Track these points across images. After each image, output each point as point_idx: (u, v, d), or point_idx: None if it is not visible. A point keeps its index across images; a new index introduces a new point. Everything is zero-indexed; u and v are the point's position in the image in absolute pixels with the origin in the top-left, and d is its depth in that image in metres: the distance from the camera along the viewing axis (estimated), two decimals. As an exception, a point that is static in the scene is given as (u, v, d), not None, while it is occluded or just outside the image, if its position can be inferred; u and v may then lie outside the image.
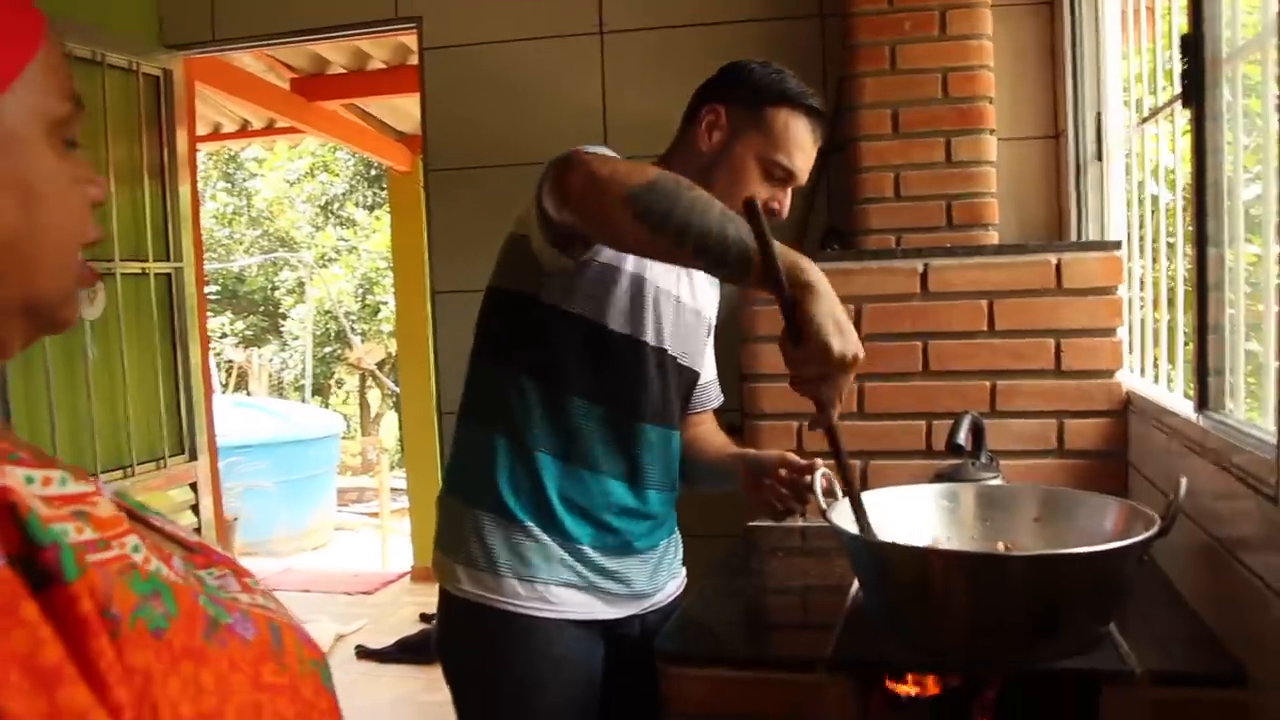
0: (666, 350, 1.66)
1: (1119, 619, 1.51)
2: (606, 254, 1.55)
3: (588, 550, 1.59)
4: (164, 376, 3.47)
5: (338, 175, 13.18)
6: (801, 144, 1.62)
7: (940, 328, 2.19)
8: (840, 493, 1.63)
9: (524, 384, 1.57)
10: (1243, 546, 1.41)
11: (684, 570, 1.83)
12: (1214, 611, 1.53)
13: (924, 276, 2.20)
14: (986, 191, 2.55)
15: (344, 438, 10.38)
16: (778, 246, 1.26)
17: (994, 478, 1.96)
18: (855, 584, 1.74)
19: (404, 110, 5.76)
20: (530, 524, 1.56)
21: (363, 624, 4.85)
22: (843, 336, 1.26)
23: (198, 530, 3.51)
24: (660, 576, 1.71)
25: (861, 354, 1.28)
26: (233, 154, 12.97)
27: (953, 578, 1.41)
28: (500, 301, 1.63)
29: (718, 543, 2.09)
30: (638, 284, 1.59)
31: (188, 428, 3.54)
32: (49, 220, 0.63)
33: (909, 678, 1.55)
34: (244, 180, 13.53)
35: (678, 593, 1.78)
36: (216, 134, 6.25)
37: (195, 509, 3.55)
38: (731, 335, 2.78)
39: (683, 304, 1.69)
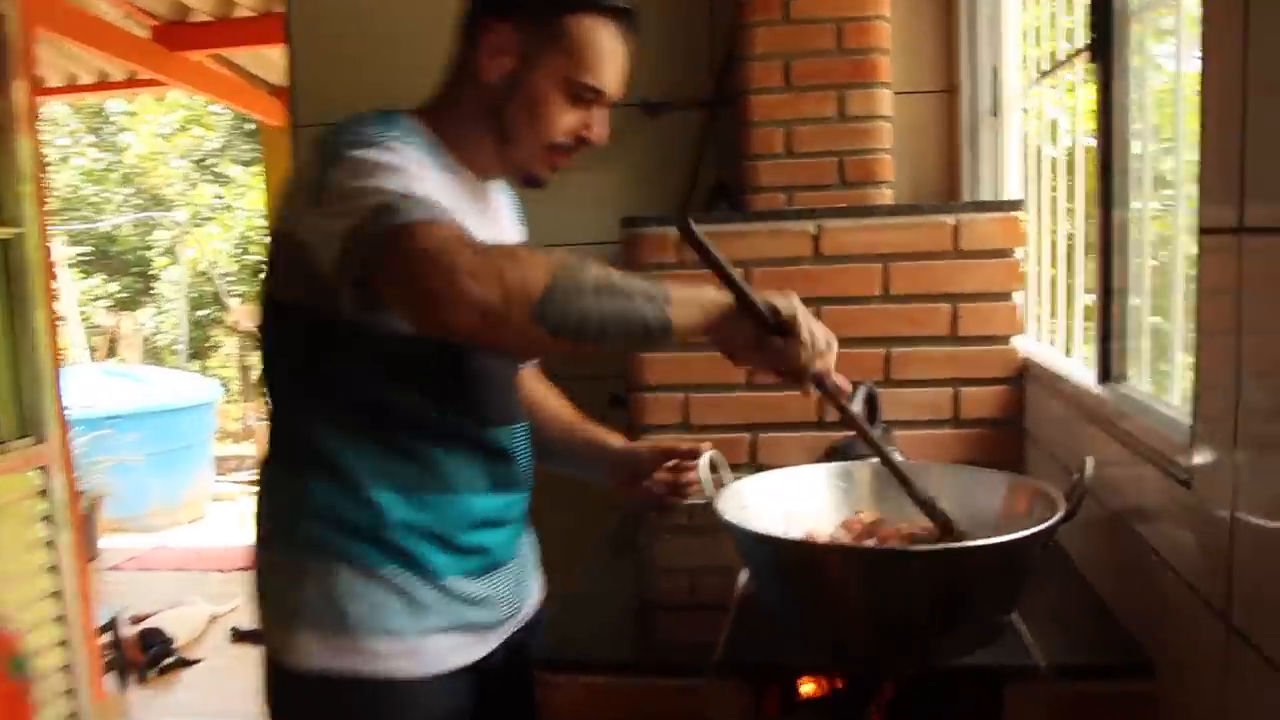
0: None
1: (1021, 605, 1.43)
2: None
3: (452, 583, 1.33)
4: (3, 352, 3.19)
5: (213, 130, 12.65)
6: (612, 54, 1.33)
7: (833, 292, 2.08)
8: (727, 478, 1.51)
9: (341, 418, 1.30)
10: (1152, 531, 1.33)
11: (541, 572, 1.60)
12: (1119, 597, 1.46)
13: (816, 238, 2.09)
14: (881, 148, 2.43)
15: (226, 402, 10.01)
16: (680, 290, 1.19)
17: (890, 451, 1.86)
18: (745, 571, 1.62)
19: (274, 61, 5.46)
20: (383, 569, 1.29)
21: (238, 603, 4.62)
22: (789, 301, 1.25)
23: (49, 518, 3.26)
24: (524, 586, 1.48)
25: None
26: (98, 108, 12.36)
27: (850, 575, 1.30)
28: (289, 319, 1.32)
29: (587, 528, 1.96)
30: None
31: (33, 407, 3.26)
32: None
33: (804, 678, 1.44)
34: (112, 135, 12.90)
35: (540, 600, 1.55)
36: (73, 86, 5.85)
37: (43, 494, 3.28)
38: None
39: None
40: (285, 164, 5.57)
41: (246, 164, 12.50)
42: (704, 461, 1.49)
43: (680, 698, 1.36)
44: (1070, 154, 1.97)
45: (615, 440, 1.62)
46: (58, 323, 3.51)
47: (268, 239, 1.39)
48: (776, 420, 2.11)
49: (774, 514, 1.51)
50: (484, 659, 1.38)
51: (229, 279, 12.40)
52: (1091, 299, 1.97)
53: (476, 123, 1.34)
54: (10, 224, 3.21)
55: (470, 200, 1.35)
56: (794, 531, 1.49)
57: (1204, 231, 1.11)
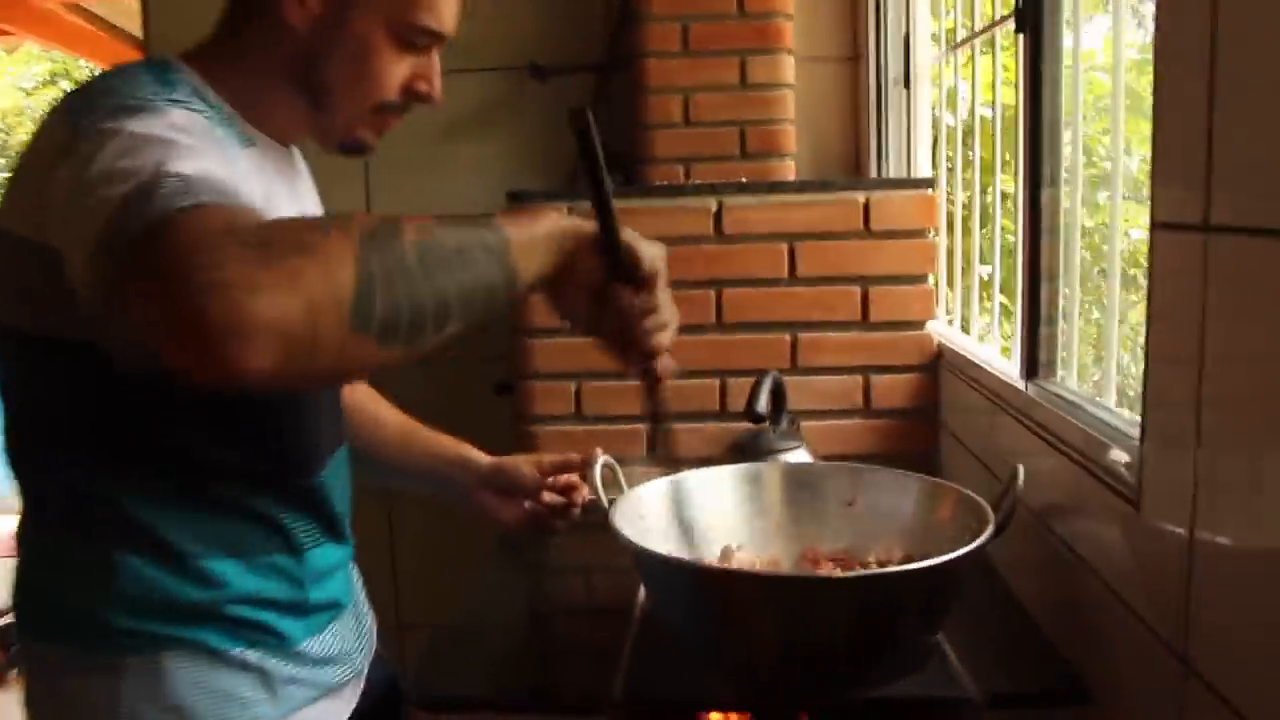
0: None
1: (948, 628, 1.31)
2: None
3: (307, 646, 1.09)
4: None
5: (78, 82, 11.97)
6: None
7: (736, 274, 1.94)
8: (623, 486, 1.36)
9: (144, 475, 1.00)
10: (1091, 548, 1.22)
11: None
12: (1051, 616, 1.35)
13: (718, 216, 1.93)
14: (784, 118, 2.30)
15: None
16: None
17: (796, 446, 1.74)
18: (643, 591, 1.48)
19: (133, 10, 5.09)
20: (230, 650, 1.02)
21: None
22: (659, 257, 1.03)
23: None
24: (364, 623, 1.24)
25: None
26: (-47, 61, 11.63)
27: (761, 601, 1.16)
28: (35, 354, 0.99)
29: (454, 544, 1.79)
30: None
31: None
32: None
33: (710, 714, 1.30)
34: (-27, 90, 12.17)
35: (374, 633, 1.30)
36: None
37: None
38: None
39: None
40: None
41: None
42: (597, 469, 1.33)
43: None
44: (969, 125, 1.86)
45: (477, 455, 1.40)
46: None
47: None
48: (676, 410, 1.96)
49: (674, 523, 1.37)
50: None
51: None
52: (987, 272, 1.87)
53: (277, 77, 1.05)
54: None
55: (278, 175, 1.09)
56: (699, 544, 1.35)
57: (1158, 227, 0.99)
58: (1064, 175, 1.42)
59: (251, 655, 1.03)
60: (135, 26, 5.35)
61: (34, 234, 0.90)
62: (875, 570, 1.20)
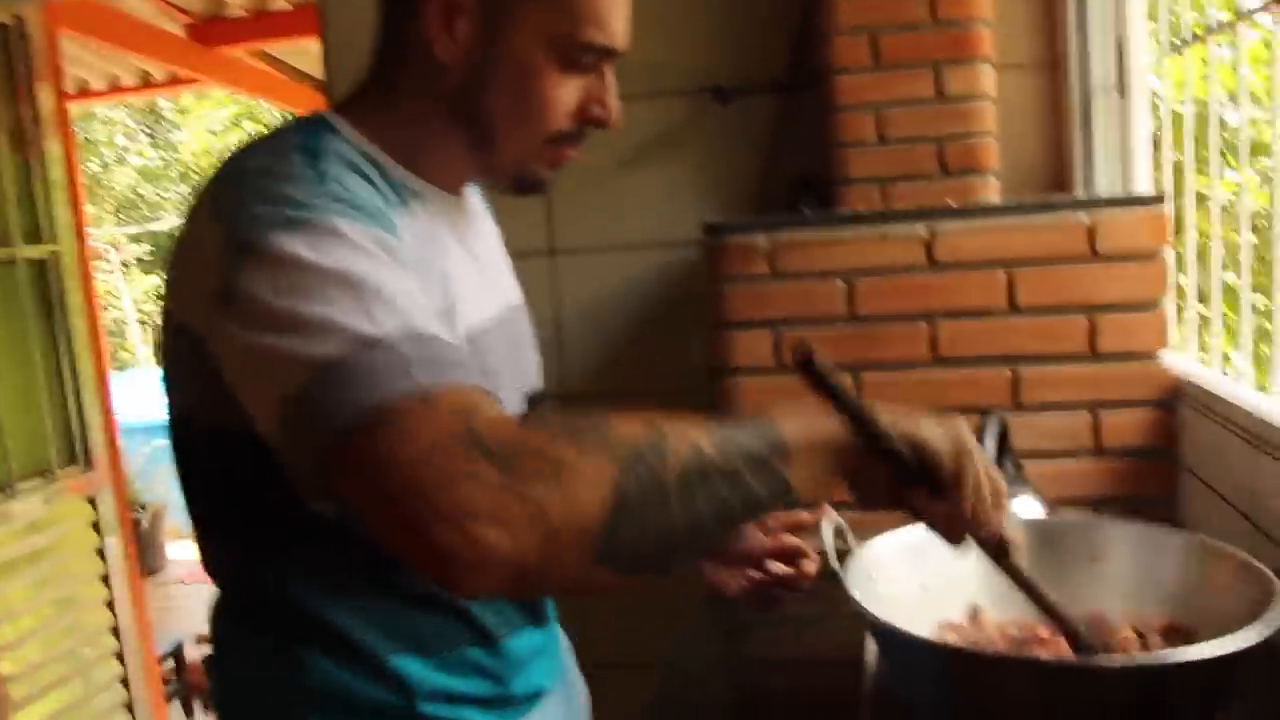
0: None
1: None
2: None
3: None
4: (46, 380, 3.02)
5: (263, 124, 12.59)
6: None
7: (951, 305, 1.81)
8: (852, 545, 1.26)
9: (326, 569, 0.95)
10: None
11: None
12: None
13: (929, 244, 1.81)
14: (985, 131, 2.16)
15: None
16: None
17: (1024, 493, 1.60)
18: (872, 655, 1.37)
19: (316, 55, 5.27)
20: None
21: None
22: (953, 439, 0.88)
23: (100, 552, 3.11)
24: (574, 702, 1.20)
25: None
26: (152, 106, 12.40)
27: (1014, 689, 1.05)
28: (216, 447, 0.93)
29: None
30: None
31: (81, 436, 3.10)
32: None
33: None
34: (167, 133, 12.94)
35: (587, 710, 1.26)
36: (115, 89, 5.71)
37: (96, 526, 3.13)
38: (681, 317, 2.43)
39: (502, 320, 1.09)
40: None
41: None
42: (828, 530, 1.24)
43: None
44: (1200, 132, 1.70)
45: None
46: (102, 337, 3.36)
47: (160, 318, 0.97)
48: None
49: (908, 587, 1.26)
50: None
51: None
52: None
53: (436, 120, 0.97)
54: (45, 241, 3.04)
55: (447, 228, 1.02)
56: (933, 611, 1.25)
57: None
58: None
59: None
60: (314, 69, 5.56)
61: (195, 326, 0.86)
62: (1157, 659, 1.07)
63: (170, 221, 12.95)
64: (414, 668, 0.97)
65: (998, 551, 0.98)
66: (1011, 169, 2.36)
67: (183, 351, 0.90)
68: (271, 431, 0.78)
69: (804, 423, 0.82)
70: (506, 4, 0.92)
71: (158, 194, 13.13)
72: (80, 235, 3.21)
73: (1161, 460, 1.78)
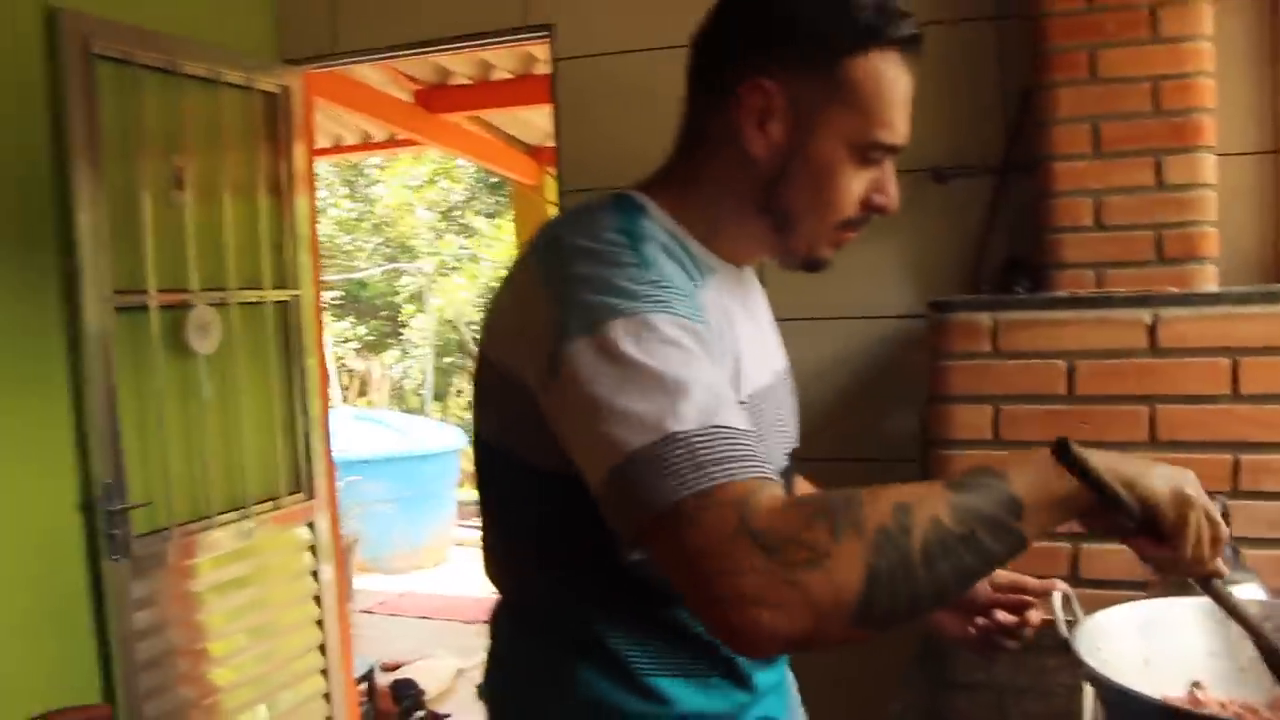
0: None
1: None
2: None
3: None
4: (280, 413, 3.29)
5: (458, 182, 13.17)
6: (904, 98, 1.06)
7: (1172, 390, 1.85)
8: (1078, 614, 1.31)
9: (606, 593, 1.08)
10: None
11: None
12: None
13: (1152, 328, 1.86)
14: (1205, 220, 2.18)
15: (466, 450, 10.32)
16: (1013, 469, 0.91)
17: (1247, 579, 1.62)
18: (1089, 710, 1.41)
19: (527, 121, 5.58)
20: None
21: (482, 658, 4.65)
22: (1176, 492, 0.95)
23: (315, 573, 3.34)
24: None
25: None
26: (354, 161, 13.06)
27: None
28: (521, 476, 1.07)
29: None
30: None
31: (305, 467, 3.35)
32: None
33: None
34: (365, 187, 13.62)
35: None
36: (337, 147, 6.15)
37: (313, 549, 3.37)
38: (889, 389, 2.50)
39: (774, 384, 1.21)
40: (535, 218, 5.69)
41: (490, 216, 12.96)
42: (1058, 600, 1.30)
43: None
44: None
45: None
46: (326, 376, 3.61)
47: (477, 360, 1.13)
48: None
49: (1133, 661, 1.30)
50: None
51: (473, 327, 12.87)
52: None
53: (740, 204, 1.09)
54: (290, 286, 3.33)
55: (734, 296, 1.13)
56: (1154, 685, 1.28)
57: None
58: None
59: None
60: (524, 134, 5.87)
61: (516, 374, 1.00)
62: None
63: (365, 271, 13.58)
64: (671, 687, 1.08)
65: (1206, 580, 1.04)
66: (1230, 257, 2.36)
67: (501, 390, 1.05)
68: (596, 497, 0.90)
69: (1033, 477, 0.89)
70: (814, 109, 1.04)
71: (352, 244, 13.79)
72: (316, 282, 3.50)
73: (1386, 554, 1.77)
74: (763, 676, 1.17)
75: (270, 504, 3.21)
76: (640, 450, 0.84)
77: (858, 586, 0.80)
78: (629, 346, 0.89)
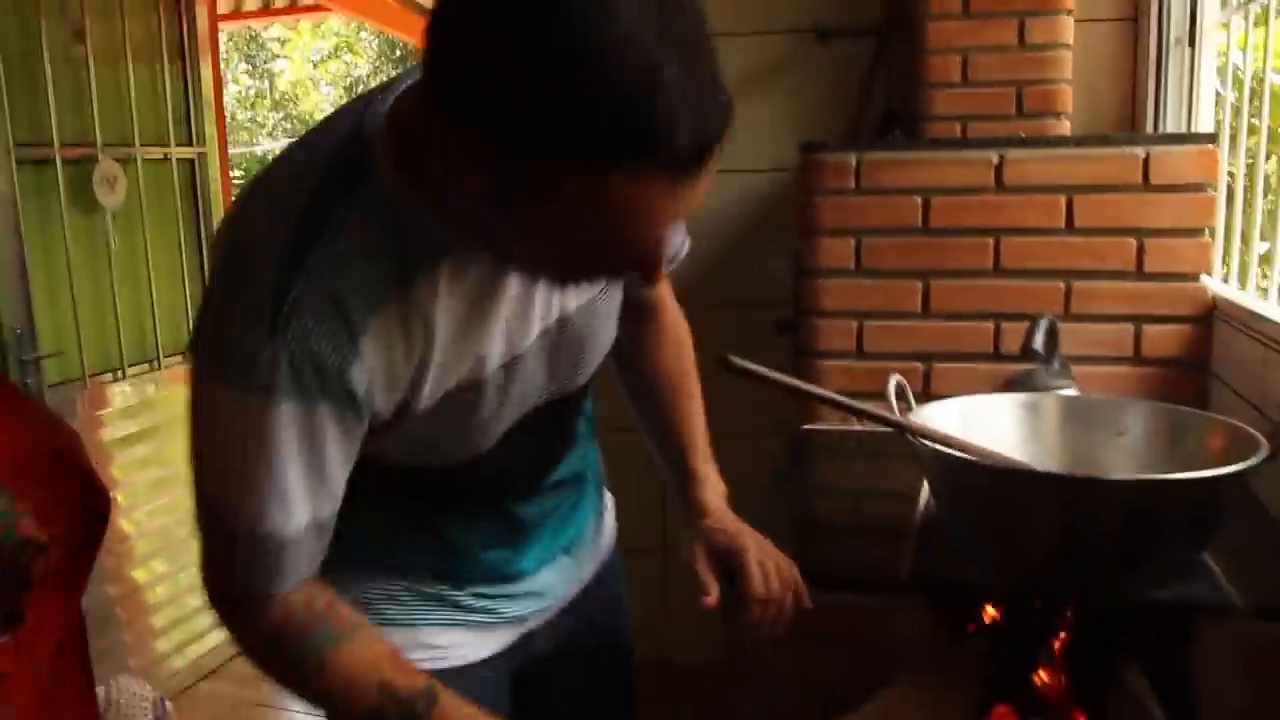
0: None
1: (1213, 548, 1.41)
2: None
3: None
4: (189, 266, 3.36)
5: (362, 56, 12.91)
6: (660, 211, 0.78)
7: (1014, 223, 2.05)
8: (911, 404, 1.51)
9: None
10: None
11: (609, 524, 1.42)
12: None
13: (999, 168, 2.05)
14: (1061, 78, 2.37)
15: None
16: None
17: (1068, 386, 1.84)
18: (925, 493, 1.64)
19: (430, -15, 5.52)
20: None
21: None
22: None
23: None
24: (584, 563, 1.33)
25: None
26: (254, 34, 12.72)
27: (1041, 500, 1.31)
28: None
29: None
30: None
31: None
32: None
33: (989, 602, 1.46)
34: (265, 62, 13.28)
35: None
36: (238, 13, 6.05)
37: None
38: (773, 233, 2.67)
39: (545, 335, 1.07)
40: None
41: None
42: (892, 386, 1.49)
43: (860, 615, 1.39)
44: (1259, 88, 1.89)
45: (707, 505, 1.28)
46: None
47: None
48: (952, 350, 2.10)
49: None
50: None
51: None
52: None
53: (476, 236, 0.91)
54: (197, 144, 3.37)
55: (475, 278, 0.96)
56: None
57: None
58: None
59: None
60: None
61: None
62: (1150, 475, 1.32)
63: (265, 146, 13.34)
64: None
65: None
66: (1089, 111, 2.57)
67: None
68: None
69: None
70: (525, 208, 0.79)
71: (252, 120, 13.50)
72: (222, 143, 3.55)
73: (1194, 370, 2.01)
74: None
75: (179, 357, 3.30)
76: (208, 527, 0.97)
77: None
78: (236, 415, 0.89)
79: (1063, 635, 1.43)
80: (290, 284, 0.86)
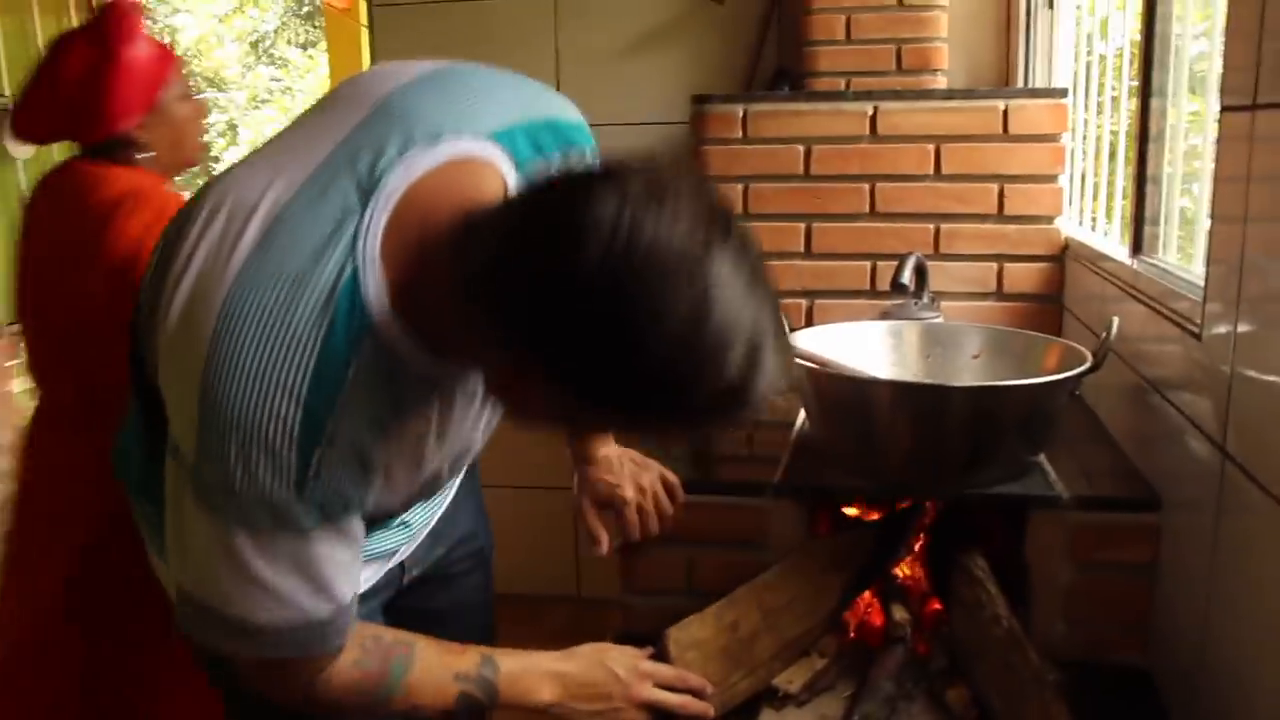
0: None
1: (1048, 451, 1.61)
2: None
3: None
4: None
5: (267, 9, 12.68)
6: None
7: (887, 170, 2.23)
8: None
9: None
10: (1167, 383, 1.49)
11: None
12: (1136, 445, 1.63)
13: (873, 119, 2.22)
14: (937, 37, 2.54)
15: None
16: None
17: (935, 317, 2.03)
18: (801, 417, 1.81)
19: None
20: None
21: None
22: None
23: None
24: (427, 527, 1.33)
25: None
26: (154, -13, 12.41)
27: (896, 408, 1.49)
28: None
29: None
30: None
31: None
32: None
33: (853, 502, 1.64)
34: (166, 17, 12.96)
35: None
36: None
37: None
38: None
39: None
40: (350, 46, 5.67)
41: (303, 46, 12.57)
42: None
43: (741, 517, 1.56)
44: (1120, 51, 2.09)
45: (593, 456, 1.41)
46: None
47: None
48: (832, 287, 2.29)
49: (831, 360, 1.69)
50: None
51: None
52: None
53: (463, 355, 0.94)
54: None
55: (457, 384, 1.02)
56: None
57: (1224, 110, 1.25)
58: (1171, 88, 1.67)
59: None
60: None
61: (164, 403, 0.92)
62: (989, 382, 1.50)
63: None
64: None
65: None
66: (966, 69, 2.75)
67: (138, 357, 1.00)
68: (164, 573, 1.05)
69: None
70: (569, 417, 0.93)
71: (156, 77, 13.18)
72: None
73: (1050, 304, 2.22)
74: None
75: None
76: (234, 630, 0.93)
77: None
78: (253, 556, 0.89)
79: (922, 536, 1.62)
80: (312, 454, 0.85)
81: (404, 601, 1.30)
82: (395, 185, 0.88)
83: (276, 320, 0.84)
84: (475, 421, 1.10)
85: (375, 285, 0.86)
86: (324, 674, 1.01)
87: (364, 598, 1.17)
